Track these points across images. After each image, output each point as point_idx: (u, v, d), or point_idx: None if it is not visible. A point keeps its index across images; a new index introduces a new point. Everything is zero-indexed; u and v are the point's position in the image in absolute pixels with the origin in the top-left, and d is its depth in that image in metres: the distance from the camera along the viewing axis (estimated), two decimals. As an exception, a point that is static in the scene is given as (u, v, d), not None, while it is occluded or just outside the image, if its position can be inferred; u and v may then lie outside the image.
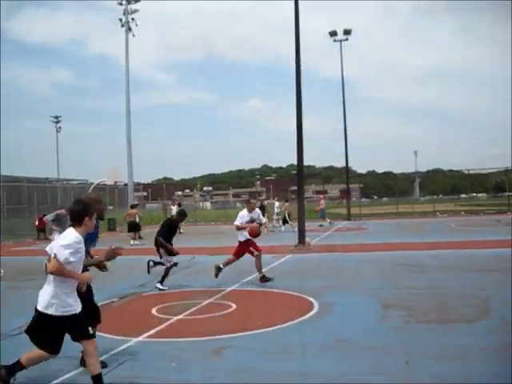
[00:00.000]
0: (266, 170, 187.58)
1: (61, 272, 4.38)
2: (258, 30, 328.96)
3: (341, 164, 59.59)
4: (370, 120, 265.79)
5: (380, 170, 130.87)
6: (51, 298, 4.44)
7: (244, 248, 10.86)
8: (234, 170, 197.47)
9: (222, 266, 10.88)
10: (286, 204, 28.34)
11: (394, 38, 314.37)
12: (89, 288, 5.31)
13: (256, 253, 10.79)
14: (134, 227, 23.38)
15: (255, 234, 10.74)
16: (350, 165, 44.53)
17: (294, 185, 25.68)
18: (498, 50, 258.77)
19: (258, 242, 11.04)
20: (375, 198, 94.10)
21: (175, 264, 10.58)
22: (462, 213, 39.10)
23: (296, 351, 6.08)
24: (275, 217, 29.20)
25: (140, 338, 6.43)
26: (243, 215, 10.96)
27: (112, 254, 5.04)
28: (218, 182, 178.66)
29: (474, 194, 72.15)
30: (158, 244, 10.50)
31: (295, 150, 19.19)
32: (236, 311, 8.24)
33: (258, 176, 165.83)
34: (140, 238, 23.81)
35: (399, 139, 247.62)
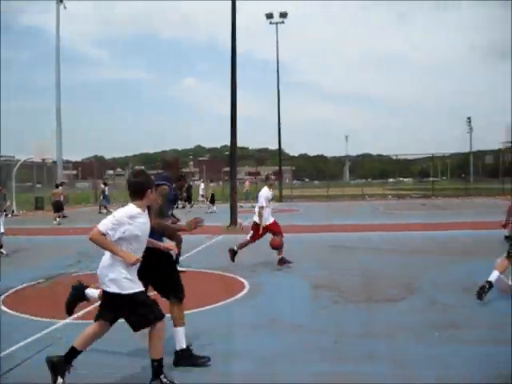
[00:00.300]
0: (199, 150, 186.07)
1: (97, 242, 4.13)
2: (196, 9, 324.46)
3: (274, 146, 59.98)
4: (303, 103, 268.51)
5: (312, 154, 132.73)
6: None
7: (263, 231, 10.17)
8: (167, 149, 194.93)
9: (236, 249, 10.36)
10: (211, 184, 28.67)
11: (329, 23, 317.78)
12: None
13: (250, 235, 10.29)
14: (58, 207, 22.80)
15: (278, 247, 9.92)
16: (282, 147, 44.98)
17: (227, 166, 25.67)
18: (430, 39, 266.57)
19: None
20: (307, 180, 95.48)
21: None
22: (390, 196, 40.36)
23: (227, 331, 6.09)
24: (200, 198, 29.43)
25: (67, 320, 6.25)
26: (267, 195, 10.08)
27: (194, 224, 4.96)
28: (151, 162, 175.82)
29: (401, 179, 74.54)
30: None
31: (229, 131, 19.17)
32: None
33: (191, 156, 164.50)
34: (64, 217, 23.52)
35: (331, 123, 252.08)
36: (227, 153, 20.97)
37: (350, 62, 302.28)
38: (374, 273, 9.40)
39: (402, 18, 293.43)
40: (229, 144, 20.21)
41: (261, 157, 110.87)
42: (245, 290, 8.10)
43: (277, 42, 39.53)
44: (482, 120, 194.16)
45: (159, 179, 5.00)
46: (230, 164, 20.49)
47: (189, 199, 31.12)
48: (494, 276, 7.06)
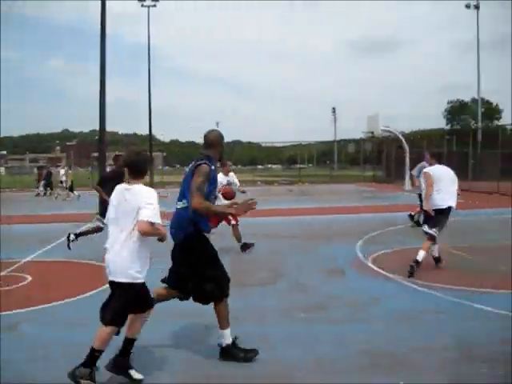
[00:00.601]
0: (67, 134, 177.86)
1: (151, 234, 4.17)
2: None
3: (144, 131, 58.98)
4: (174, 88, 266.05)
5: (183, 140, 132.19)
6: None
7: None
8: (32, 133, 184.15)
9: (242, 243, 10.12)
10: (70, 171, 28.06)
11: (199, 9, 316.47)
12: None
13: (233, 222, 10.03)
14: None
15: (230, 196, 9.38)
16: (153, 133, 44.40)
17: (96, 151, 24.86)
18: (299, 30, 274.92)
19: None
20: (178, 166, 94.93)
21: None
22: (259, 183, 41.40)
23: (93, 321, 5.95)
24: (60, 185, 28.48)
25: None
26: (221, 180, 9.75)
27: (247, 207, 4.63)
28: (14, 146, 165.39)
29: (270, 166, 76.65)
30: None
31: (98, 116, 18.62)
32: (31, 283, 7.80)
33: (57, 141, 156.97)
34: None
35: (202, 109, 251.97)
36: (96, 137, 20.30)
37: (222, 49, 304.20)
38: (244, 257, 9.64)
39: (271, 7, 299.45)
40: (97, 128, 19.63)
41: (130, 142, 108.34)
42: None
43: (148, 25, 38.80)
44: (346, 110, 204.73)
45: (200, 159, 4.70)
46: (98, 149, 19.88)
47: (49, 186, 30.00)
48: (420, 255, 7.81)
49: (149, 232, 4.07)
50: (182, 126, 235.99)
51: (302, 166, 58.53)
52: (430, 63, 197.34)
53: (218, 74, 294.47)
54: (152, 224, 4.07)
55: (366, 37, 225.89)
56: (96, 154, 20.55)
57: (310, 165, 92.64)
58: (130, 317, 4.27)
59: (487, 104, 79.04)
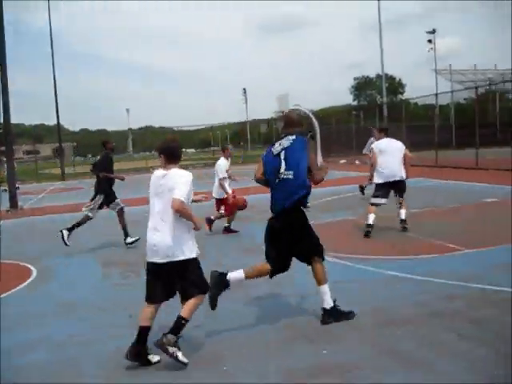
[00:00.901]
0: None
1: (183, 211, 4.40)
2: None
3: (52, 122, 56.68)
4: (83, 76, 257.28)
5: (93, 128, 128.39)
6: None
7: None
8: None
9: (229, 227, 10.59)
10: None
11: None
12: None
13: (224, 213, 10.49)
14: None
15: (242, 206, 10.49)
16: (62, 123, 42.87)
17: (1, 145, 23.72)
18: (207, 13, 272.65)
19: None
20: (90, 156, 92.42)
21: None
22: (175, 168, 41.08)
23: (19, 320, 5.83)
24: None
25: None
26: (225, 166, 10.46)
27: (325, 171, 5.25)
28: None
29: (184, 150, 76.19)
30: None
31: (0, 107, 17.86)
32: None
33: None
34: None
35: (112, 97, 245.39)
36: (0, 130, 19.42)
37: (130, 35, 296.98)
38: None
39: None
40: (1, 121, 18.82)
41: (38, 134, 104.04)
42: (32, 276, 7.79)
43: (49, 9, 37.15)
44: (257, 91, 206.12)
45: (297, 135, 5.20)
46: (4, 143, 19.03)
47: None
48: (371, 218, 9.01)
49: (180, 209, 4.33)
50: (91, 114, 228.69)
51: (215, 148, 58.53)
52: (336, 41, 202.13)
53: (127, 60, 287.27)
54: (183, 202, 4.31)
55: (274, 17, 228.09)
56: (2, 148, 19.58)
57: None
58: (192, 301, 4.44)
59: (391, 79, 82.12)
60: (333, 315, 5.06)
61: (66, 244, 9.25)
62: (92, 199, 9.74)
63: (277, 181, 5.08)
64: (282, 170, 5.03)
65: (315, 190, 5.66)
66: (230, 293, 5.01)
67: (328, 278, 5.13)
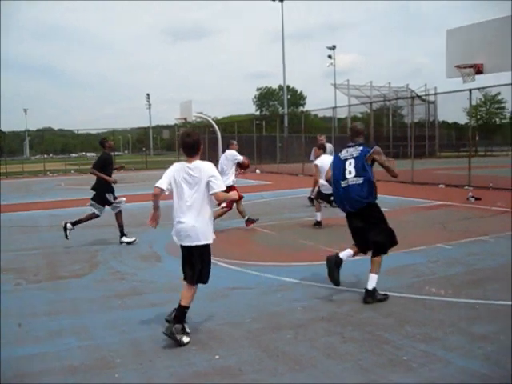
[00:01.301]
0: None
1: (225, 198, 5.20)
2: None
3: None
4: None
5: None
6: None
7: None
8: None
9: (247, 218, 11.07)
10: None
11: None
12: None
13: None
14: None
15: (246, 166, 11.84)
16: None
17: None
18: (117, 17, 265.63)
19: None
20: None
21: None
22: (72, 172, 39.88)
23: None
24: None
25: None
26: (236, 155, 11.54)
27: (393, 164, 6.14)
28: None
29: (84, 153, 73.91)
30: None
31: None
32: None
33: None
34: None
35: (9, 96, 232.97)
36: None
37: (36, 32, 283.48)
38: (58, 250, 9.40)
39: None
40: None
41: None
42: None
43: None
44: (161, 96, 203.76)
45: (360, 144, 6.04)
46: None
47: None
48: (318, 216, 10.89)
49: (224, 199, 5.15)
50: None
51: (117, 153, 57.37)
52: (242, 52, 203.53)
53: (27, 59, 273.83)
54: (223, 192, 4.85)
55: (179, 24, 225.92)
56: None
57: (126, 151, 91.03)
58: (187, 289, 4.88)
59: (292, 91, 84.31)
60: (371, 296, 5.78)
61: (66, 237, 9.63)
62: (94, 199, 9.90)
63: (344, 185, 5.96)
64: (351, 176, 5.92)
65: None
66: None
67: (228, 284, 5.39)
